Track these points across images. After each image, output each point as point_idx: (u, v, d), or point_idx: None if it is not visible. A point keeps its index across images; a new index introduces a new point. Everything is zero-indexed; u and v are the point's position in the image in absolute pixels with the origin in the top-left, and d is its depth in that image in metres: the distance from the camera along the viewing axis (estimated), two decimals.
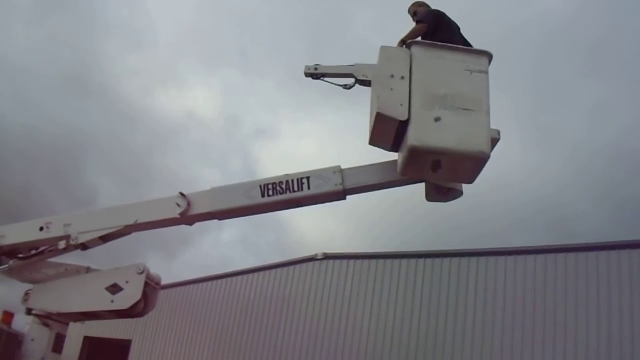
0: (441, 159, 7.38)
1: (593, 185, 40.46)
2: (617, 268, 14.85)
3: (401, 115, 7.30)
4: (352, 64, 9.10)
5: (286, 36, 52.17)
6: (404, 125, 7.37)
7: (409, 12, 9.03)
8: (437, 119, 7.27)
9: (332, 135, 56.09)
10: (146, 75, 52.03)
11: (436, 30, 8.25)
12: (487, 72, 7.75)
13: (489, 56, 7.87)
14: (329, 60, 8.94)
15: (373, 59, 8.21)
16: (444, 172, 7.62)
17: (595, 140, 40.49)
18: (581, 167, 40.30)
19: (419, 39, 8.14)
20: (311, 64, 9.32)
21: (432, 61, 7.67)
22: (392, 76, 7.52)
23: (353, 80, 9.07)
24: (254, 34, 53.28)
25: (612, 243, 15.39)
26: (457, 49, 7.87)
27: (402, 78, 7.51)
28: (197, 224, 9.61)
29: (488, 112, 7.51)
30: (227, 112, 56.25)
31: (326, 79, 9.34)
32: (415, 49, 7.76)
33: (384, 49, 7.84)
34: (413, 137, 7.21)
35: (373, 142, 7.97)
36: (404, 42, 8.06)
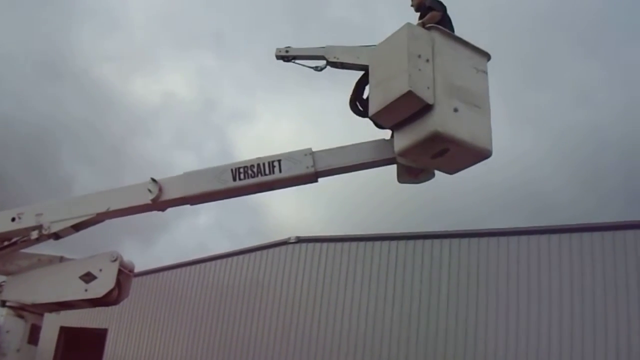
0: (450, 148, 7.43)
1: (579, 171, 40.87)
2: (594, 250, 15.06)
3: (429, 98, 7.23)
4: (323, 45, 9.14)
5: (263, 17, 51.98)
6: (423, 109, 7.32)
7: None
8: (456, 110, 7.32)
9: (310, 117, 56.11)
10: (120, 60, 51.83)
11: (441, 21, 8.21)
12: (487, 73, 7.91)
13: (488, 57, 8.01)
14: (309, 40, 8.95)
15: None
16: (441, 160, 7.73)
17: (582, 126, 40.82)
18: (567, 152, 40.68)
19: None
20: (290, 45, 9.37)
21: (449, 50, 7.68)
22: (420, 56, 7.39)
23: (324, 62, 9.11)
24: (230, 15, 53.02)
25: (593, 224, 15.61)
26: (466, 44, 7.90)
27: (427, 61, 7.42)
28: (173, 210, 9.59)
29: (489, 112, 7.70)
30: (202, 96, 56.27)
31: (297, 61, 9.38)
32: (435, 34, 7.70)
33: (410, 26, 7.64)
34: (438, 123, 7.18)
35: (379, 116, 7.79)
36: (423, 25, 7.98)
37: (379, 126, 8.37)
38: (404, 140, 7.69)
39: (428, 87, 7.27)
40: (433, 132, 7.21)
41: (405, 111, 7.45)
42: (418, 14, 8.62)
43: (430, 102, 7.24)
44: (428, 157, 7.69)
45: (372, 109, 7.78)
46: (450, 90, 7.41)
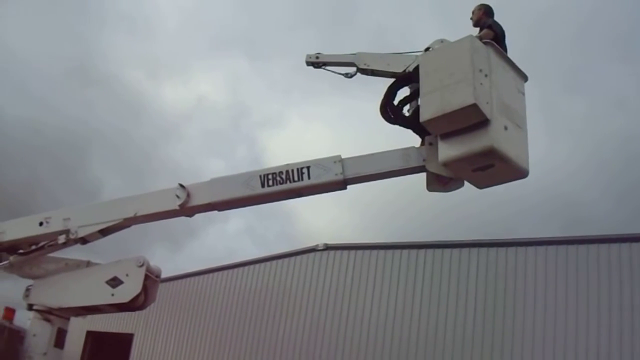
0: (496, 164, 7.41)
1: (600, 172, 40.34)
2: (622, 261, 14.86)
3: (489, 113, 7.19)
4: (354, 52, 9.09)
5: (296, 22, 51.97)
6: (479, 122, 7.26)
7: (474, 10, 8.83)
8: (506, 128, 7.32)
9: (340, 124, 55.91)
10: (151, 64, 51.93)
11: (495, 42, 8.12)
12: (525, 95, 7.93)
13: (526, 79, 8.04)
14: (339, 47, 8.95)
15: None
16: (481, 174, 7.71)
17: (604, 127, 40.36)
18: (589, 154, 40.13)
19: None
20: (320, 52, 9.36)
21: (500, 69, 7.67)
22: (481, 70, 7.34)
23: (354, 68, 9.08)
24: (263, 20, 53.09)
25: (617, 236, 15.37)
26: (514, 65, 7.91)
27: (486, 76, 7.37)
28: (202, 215, 9.56)
29: (527, 134, 7.76)
30: (234, 101, 56.08)
31: (327, 68, 9.36)
32: (490, 51, 7.65)
33: (473, 39, 7.61)
34: (494, 139, 7.17)
35: (432, 123, 7.58)
36: (480, 39, 7.88)
37: (421, 132, 8.28)
38: (451, 151, 7.58)
39: (487, 102, 7.21)
40: (488, 147, 7.17)
41: (462, 122, 7.34)
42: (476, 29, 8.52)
43: (489, 117, 7.17)
44: (470, 169, 7.64)
45: (426, 115, 7.57)
46: (502, 108, 7.37)
